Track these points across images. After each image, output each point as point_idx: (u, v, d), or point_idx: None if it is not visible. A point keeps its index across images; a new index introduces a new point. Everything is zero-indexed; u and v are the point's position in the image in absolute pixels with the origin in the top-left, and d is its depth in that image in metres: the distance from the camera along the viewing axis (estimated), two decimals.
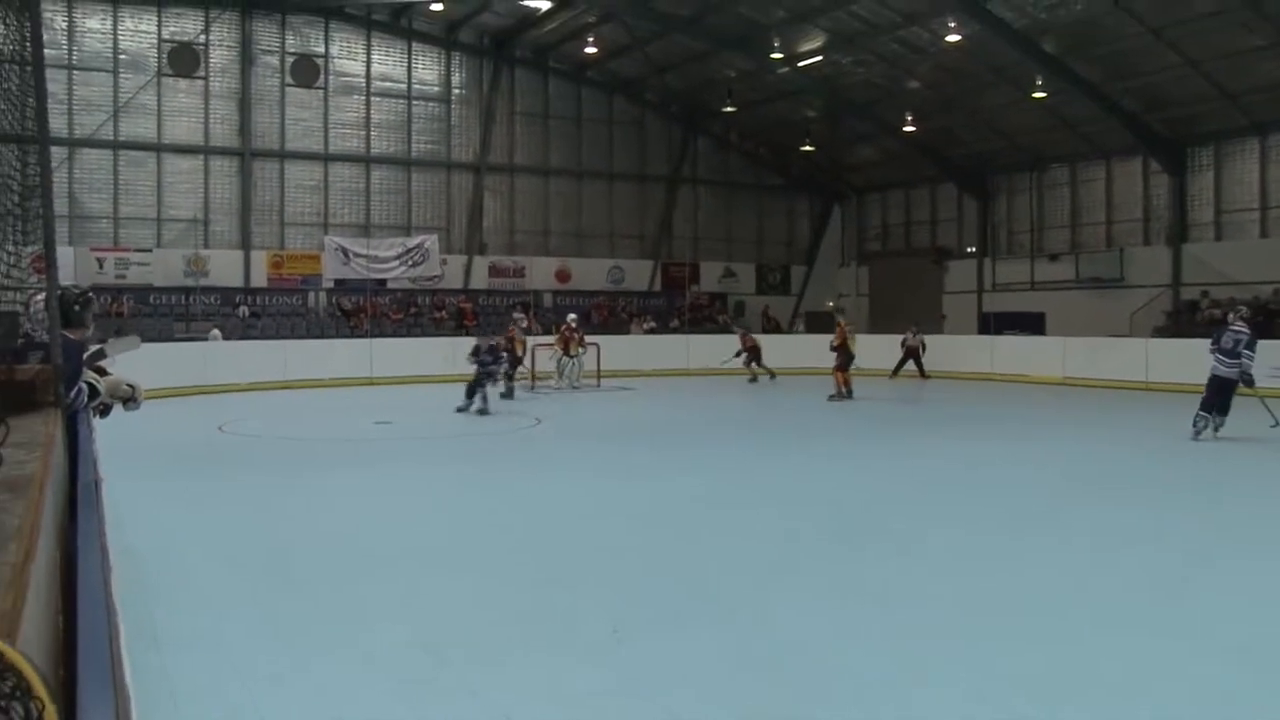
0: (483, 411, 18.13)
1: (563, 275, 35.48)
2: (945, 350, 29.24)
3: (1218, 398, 14.28)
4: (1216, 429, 14.30)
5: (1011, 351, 27.71)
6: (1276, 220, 27.73)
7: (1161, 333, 27.67)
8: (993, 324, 32.31)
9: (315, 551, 7.99)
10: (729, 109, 33.41)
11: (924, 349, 28.40)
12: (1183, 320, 28.06)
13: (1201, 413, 14.32)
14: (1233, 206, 28.61)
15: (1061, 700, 4.77)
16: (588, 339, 25.37)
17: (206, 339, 26.63)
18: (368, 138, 32.51)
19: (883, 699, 4.85)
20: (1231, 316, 15.31)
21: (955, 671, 5.19)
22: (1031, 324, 31.22)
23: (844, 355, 22.08)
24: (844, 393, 21.72)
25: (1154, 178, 30.22)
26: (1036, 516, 9.35)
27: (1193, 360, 23.18)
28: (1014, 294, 33.69)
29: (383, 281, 32.05)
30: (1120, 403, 21.06)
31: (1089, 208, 32.37)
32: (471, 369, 18.79)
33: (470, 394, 18.43)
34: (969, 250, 35.83)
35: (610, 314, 34.40)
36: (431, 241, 32.66)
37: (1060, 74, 27.21)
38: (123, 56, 29.25)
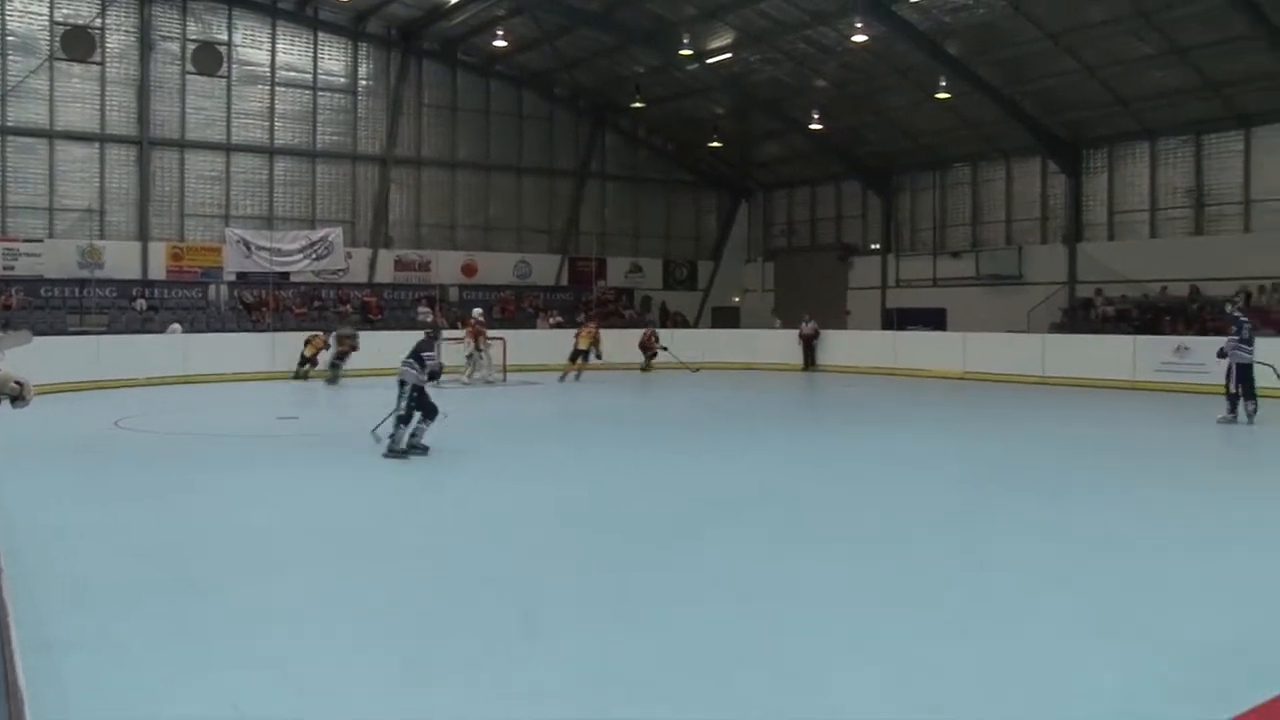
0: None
1: (469, 269, 35.21)
2: (849, 345, 29.69)
3: (1251, 384, 15.43)
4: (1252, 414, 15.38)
5: (913, 347, 28.18)
6: (1165, 221, 28.62)
7: (1058, 329, 28.40)
8: (896, 320, 32.91)
9: (215, 550, 7.81)
10: (638, 104, 33.46)
11: (818, 337, 29.39)
12: (1078, 317, 28.82)
13: (1249, 402, 15.35)
14: (1125, 208, 29.46)
15: (967, 686, 4.85)
16: (494, 334, 25.24)
17: (167, 333, 26.15)
18: (271, 128, 31.92)
19: (804, 683, 4.89)
20: (1230, 308, 17.06)
21: (872, 657, 5.27)
22: (933, 320, 31.83)
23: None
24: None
25: (1052, 178, 31.00)
26: (945, 510, 9.50)
27: (1087, 355, 24.09)
28: (917, 290, 34.28)
29: (286, 275, 31.49)
30: (1019, 396, 21.51)
31: (989, 207, 33.08)
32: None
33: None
34: (873, 247, 36.36)
35: (517, 308, 34.23)
36: (336, 234, 32.19)
37: (963, 76, 27.77)
38: (11, 38, 28.33)
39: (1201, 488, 10.93)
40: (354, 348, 23.79)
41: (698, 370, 27.59)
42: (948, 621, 5.99)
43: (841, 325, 34.61)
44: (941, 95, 28.40)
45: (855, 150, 35.02)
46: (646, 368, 28.55)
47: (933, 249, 34.45)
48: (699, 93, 33.84)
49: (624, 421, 17.91)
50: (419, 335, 13.12)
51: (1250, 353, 15.45)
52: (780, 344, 30.24)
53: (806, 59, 29.99)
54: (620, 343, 28.08)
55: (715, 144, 36.39)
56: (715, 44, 30.13)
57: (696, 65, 30.98)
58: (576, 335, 26.31)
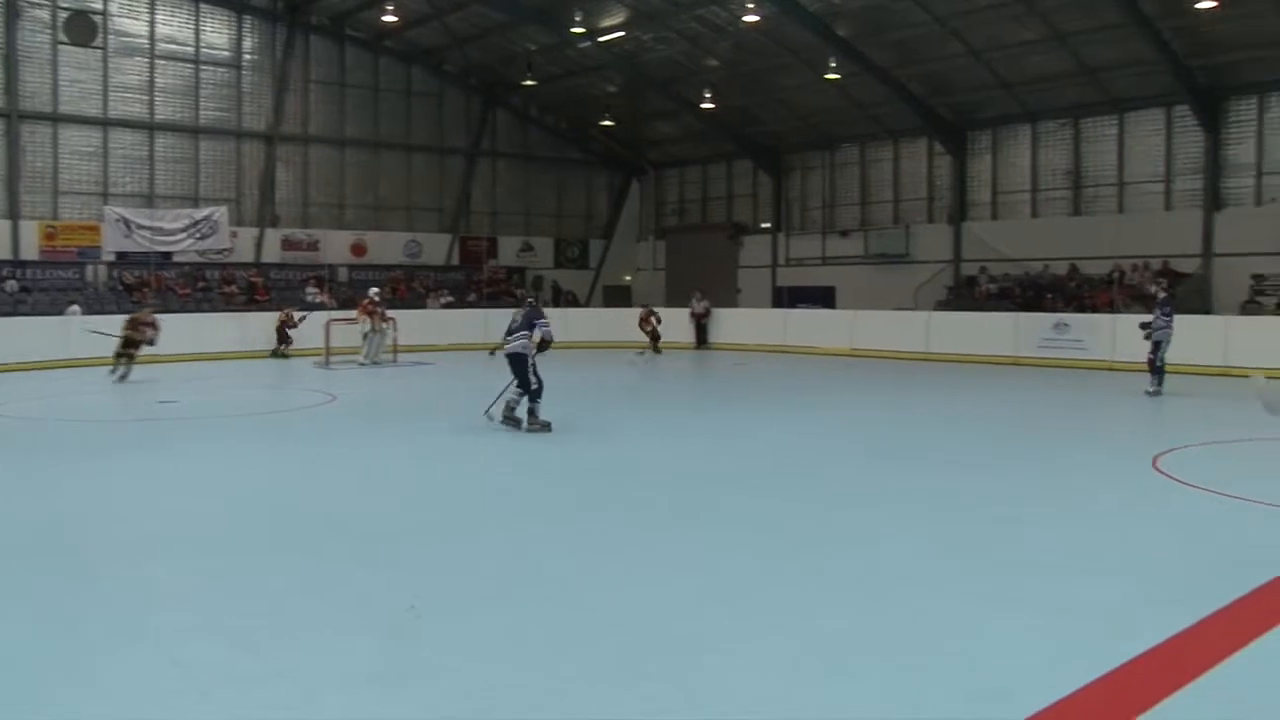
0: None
1: (358, 249, 34.68)
2: (740, 323, 30.00)
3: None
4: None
5: (803, 324, 28.61)
6: (1045, 201, 29.49)
7: (943, 306, 29.09)
8: (786, 298, 33.36)
9: (96, 537, 7.62)
10: (529, 82, 33.30)
11: (709, 316, 29.73)
12: (963, 295, 29.53)
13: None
14: (1008, 188, 30.27)
15: (871, 654, 4.99)
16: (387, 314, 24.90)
17: (65, 314, 25.19)
18: (151, 103, 30.91)
19: (706, 652, 4.97)
20: (1154, 289, 18.60)
21: (777, 627, 5.39)
22: (822, 298, 32.34)
23: None
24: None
25: (938, 159, 31.68)
26: (844, 483, 9.70)
27: (971, 332, 24.74)
28: (806, 269, 34.75)
29: (169, 255, 30.56)
30: (905, 372, 21.99)
31: (877, 186, 33.67)
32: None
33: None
34: (764, 226, 36.73)
35: (407, 288, 33.81)
36: (221, 213, 31.29)
37: (852, 57, 28.19)
38: None
39: (1089, 460, 11.33)
40: (149, 341, 21.09)
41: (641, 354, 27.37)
42: (845, 591, 6.17)
43: (733, 304, 34.97)
44: (831, 76, 28.78)
45: (746, 130, 35.30)
46: (656, 349, 28.12)
47: (822, 228, 34.94)
48: (591, 71, 33.76)
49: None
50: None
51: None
52: (671, 322, 30.38)
53: (698, 38, 30.13)
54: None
55: (607, 123, 36.38)
56: (607, 22, 30.07)
57: (589, 43, 30.93)
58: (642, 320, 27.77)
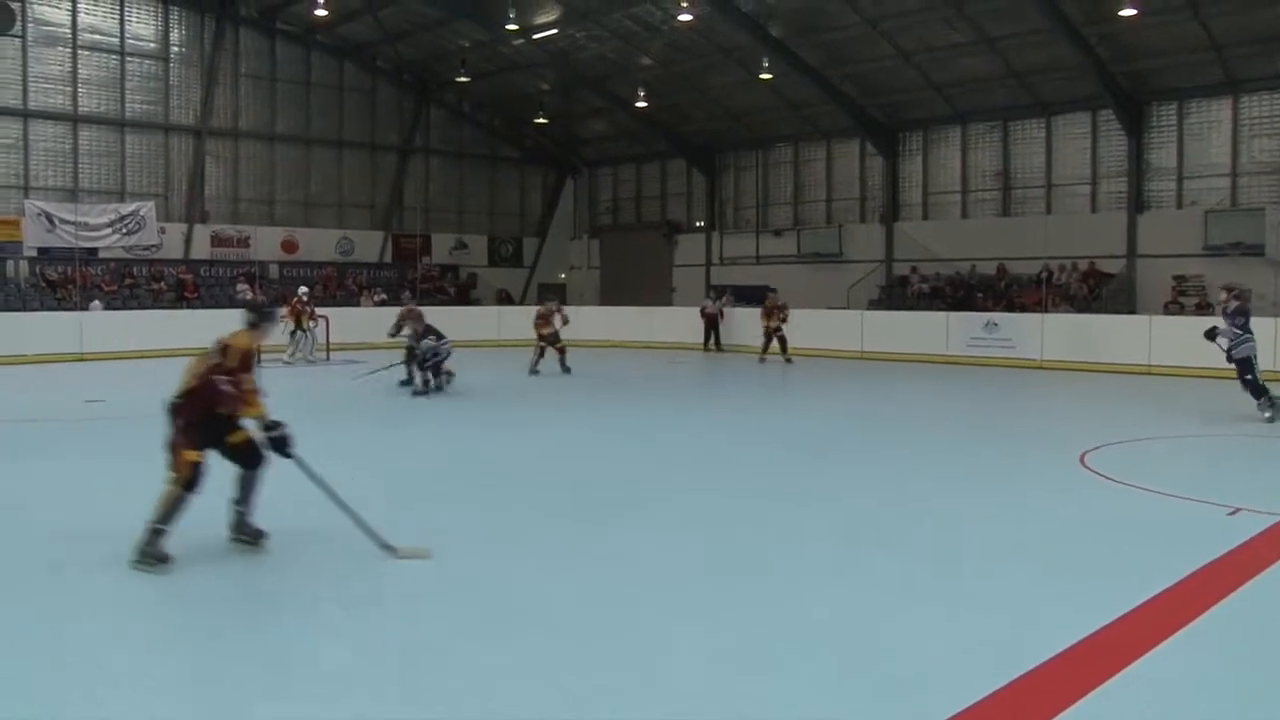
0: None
1: (290, 245, 34.23)
2: (674, 322, 30.03)
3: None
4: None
5: (737, 324, 28.70)
6: (975, 202, 29.94)
7: (876, 305, 29.40)
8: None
9: (15, 544, 7.35)
10: (463, 79, 33.07)
11: (722, 318, 28.18)
12: (894, 294, 29.88)
13: (1267, 400, 13.45)
14: (938, 189, 30.69)
15: (796, 646, 5.04)
16: (318, 311, 24.59)
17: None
18: (75, 94, 30.19)
19: (644, 643, 5.00)
20: (1224, 296, 14.44)
21: (698, 619, 5.42)
22: (756, 297, 32.43)
23: None
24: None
25: (870, 160, 31.99)
26: (773, 480, 9.77)
27: (903, 331, 25.02)
28: (740, 267, 34.90)
29: (94, 250, 29.93)
30: (838, 371, 22.19)
31: (810, 186, 33.93)
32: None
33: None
34: (698, 224, 36.85)
35: (339, 286, 33.45)
36: (148, 209, 30.70)
37: (785, 58, 28.38)
38: None
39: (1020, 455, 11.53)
40: None
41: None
42: (767, 585, 6.25)
43: (667, 302, 35.07)
44: (764, 76, 28.93)
45: (680, 128, 35.40)
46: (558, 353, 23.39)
47: (756, 227, 35.15)
48: (525, 68, 33.64)
49: (457, 397, 17.72)
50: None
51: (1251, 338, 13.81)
52: (601, 321, 30.31)
53: (632, 37, 30.15)
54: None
55: (541, 120, 36.26)
56: (541, 19, 29.98)
57: (523, 40, 30.82)
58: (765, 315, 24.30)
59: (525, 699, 4.48)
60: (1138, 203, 26.59)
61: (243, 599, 6.12)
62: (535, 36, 30.68)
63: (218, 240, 32.83)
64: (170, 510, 6.35)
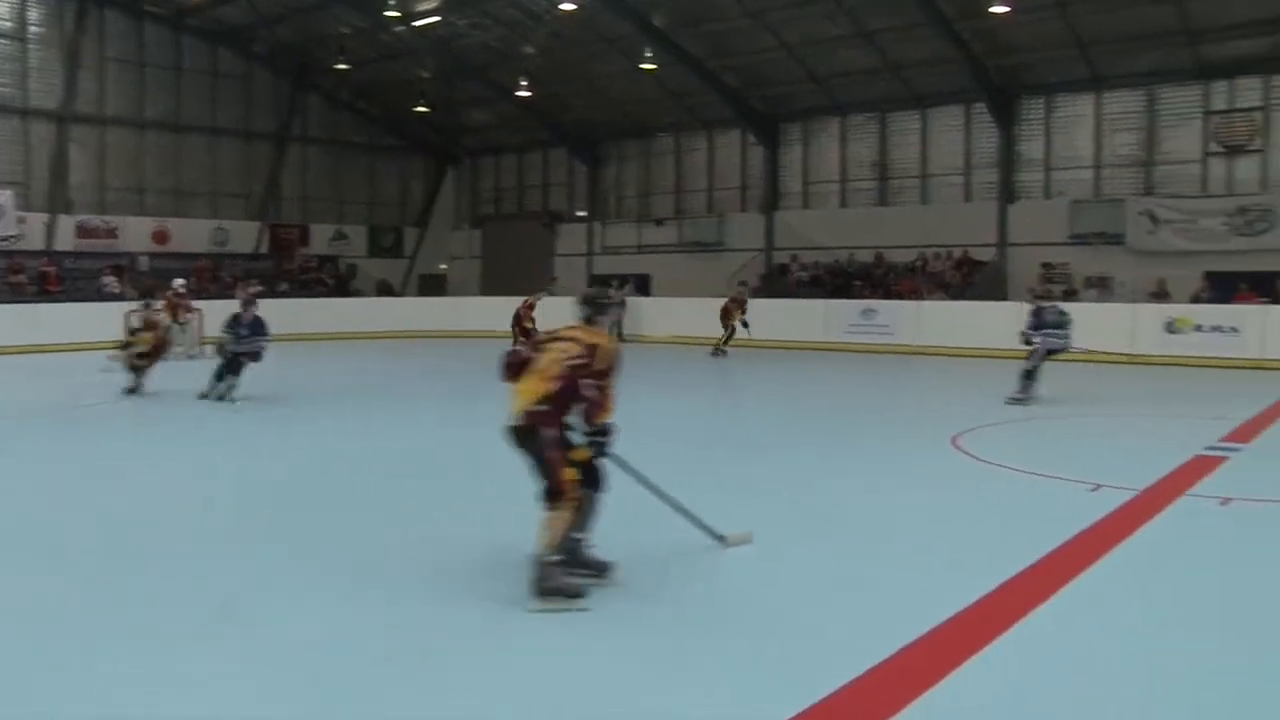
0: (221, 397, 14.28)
1: (161, 236, 33.23)
2: (556, 312, 29.95)
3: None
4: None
5: (646, 315, 28.77)
6: (853, 192, 30.52)
7: (756, 294, 29.65)
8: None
9: None
10: (342, 66, 32.40)
11: (624, 308, 26.91)
12: (775, 282, 30.26)
13: (1028, 381, 14.39)
14: (818, 179, 31.19)
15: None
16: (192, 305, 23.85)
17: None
18: None
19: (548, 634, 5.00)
20: (1029, 297, 16.31)
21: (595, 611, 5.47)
22: (638, 286, 32.61)
23: None
24: None
25: (751, 149, 32.35)
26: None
27: (783, 318, 25.36)
28: (622, 256, 35.02)
29: None
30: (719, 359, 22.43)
31: (692, 176, 34.17)
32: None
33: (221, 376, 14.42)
34: (579, 214, 36.84)
35: (214, 278, 32.54)
36: (6, 197, 29.36)
37: (668, 48, 28.53)
38: None
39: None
40: None
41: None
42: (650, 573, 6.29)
43: (550, 292, 34.95)
44: (647, 66, 29.01)
45: (562, 118, 35.33)
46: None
47: (638, 216, 35.28)
48: (406, 56, 33.16)
49: (330, 392, 17.47)
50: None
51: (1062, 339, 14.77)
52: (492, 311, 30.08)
53: (515, 25, 29.97)
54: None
55: (422, 108, 35.78)
56: (423, 6, 29.60)
57: (403, 27, 30.40)
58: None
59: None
60: (1008, 193, 27.41)
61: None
62: (416, 23, 30.29)
63: (83, 231, 31.67)
64: (563, 538, 5.58)
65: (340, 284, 35.30)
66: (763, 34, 27.53)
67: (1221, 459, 9.91)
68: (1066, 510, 7.60)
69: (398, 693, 4.38)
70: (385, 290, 36.79)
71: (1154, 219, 25.19)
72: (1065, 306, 15.69)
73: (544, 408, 5.54)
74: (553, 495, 5.49)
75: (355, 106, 37.85)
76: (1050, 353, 14.49)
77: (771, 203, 31.74)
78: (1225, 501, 8.01)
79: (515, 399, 5.65)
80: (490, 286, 36.49)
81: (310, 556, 6.59)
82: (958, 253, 27.62)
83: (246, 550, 6.75)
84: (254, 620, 5.31)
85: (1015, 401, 13.95)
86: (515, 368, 5.77)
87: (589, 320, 5.99)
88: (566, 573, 5.56)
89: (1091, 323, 17.77)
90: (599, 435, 5.74)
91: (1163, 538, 7.10)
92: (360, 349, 25.33)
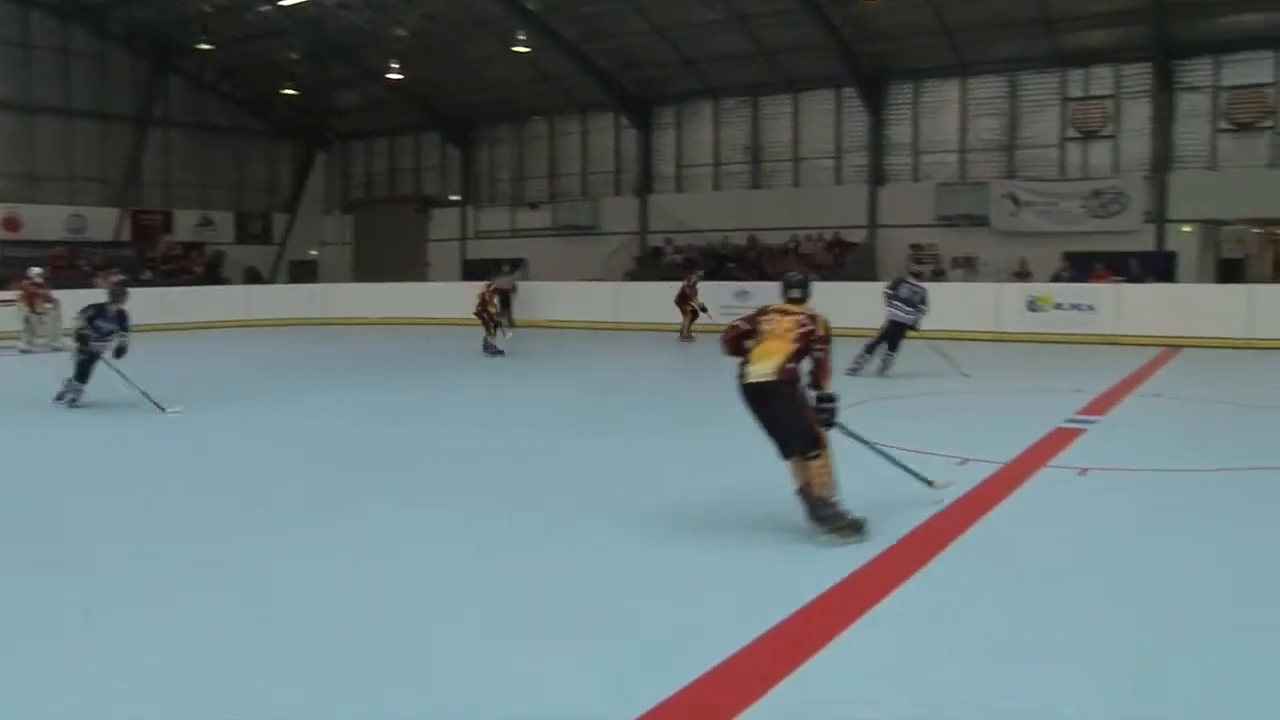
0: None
1: (12, 224, 31.81)
2: (430, 297, 29.64)
3: (891, 340, 15.24)
4: (886, 367, 15.18)
5: (537, 299, 28.58)
6: (726, 175, 30.83)
7: (631, 276, 29.86)
8: (477, 271, 33.19)
9: None
10: (204, 46, 31.29)
11: (515, 292, 26.47)
12: (649, 265, 30.39)
13: (866, 353, 15.02)
14: (691, 162, 31.42)
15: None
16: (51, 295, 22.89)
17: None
18: None
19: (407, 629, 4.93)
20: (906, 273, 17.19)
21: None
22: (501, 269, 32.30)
23: None
24: None
25: (624, 133, 32.39)
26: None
27: (658, 301, 25.45)
28: (496, 241, 34.78)
29: None
30: (597, 342, 22.41)
31: (566, 159, 34.09)
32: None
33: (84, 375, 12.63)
34: (452, 199, 36.45)
35: (71, 266, 31.22)
36: None
37: (541, 31, 28.33)
38: None
39: None
40: None
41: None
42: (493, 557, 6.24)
43: (422, 278, 34.61)
44: (520, 49, 28.75)
45: (434, 101, 34.87)
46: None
47: (511, 200, 35.10)
48: (272, 36, 32.17)
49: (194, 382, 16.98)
50: None
51: (906, 314, 15.30)
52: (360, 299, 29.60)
53: (385, 6, 29.43)
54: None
55: (290, 91, 34.93)
56: None
57: (269, 7, 29.62)
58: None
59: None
60: (878, 176, 28.00)
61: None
62: (283, 3, 29.50)
63: None
64: (834, 480, 6.21)
65: (211, 271, 34.22)
66: (636, 17, 27.58)
67: (1080, 431, 10.27)
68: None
69: None
70: (254, 278, 35.86)
71: (1016, 201, 25.98)
72: (927, 288, 16.12)
73: (791, 365, 6.22)
74: (813, 443, 6.15)
75: (220, 89, 36.76)
76: (897, 326, 15.12)
77: (645, 186, 31.85)
78: (1083, 471, 8.29)
79: (760, 361, 6.25)
80: (363, 273, 35.91)
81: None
82: (829, 234, 28.11)
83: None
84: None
85: (851, 372, 14.33)
86: (734, 341, 6.53)
87: (799, 300, 6.68)
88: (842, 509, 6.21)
89: (958, 302, 18.31)
90: (826, 403, 6.41)
91: (1026, 507, 7.33)
92: (242, 338, 24.64)
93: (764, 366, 6.22)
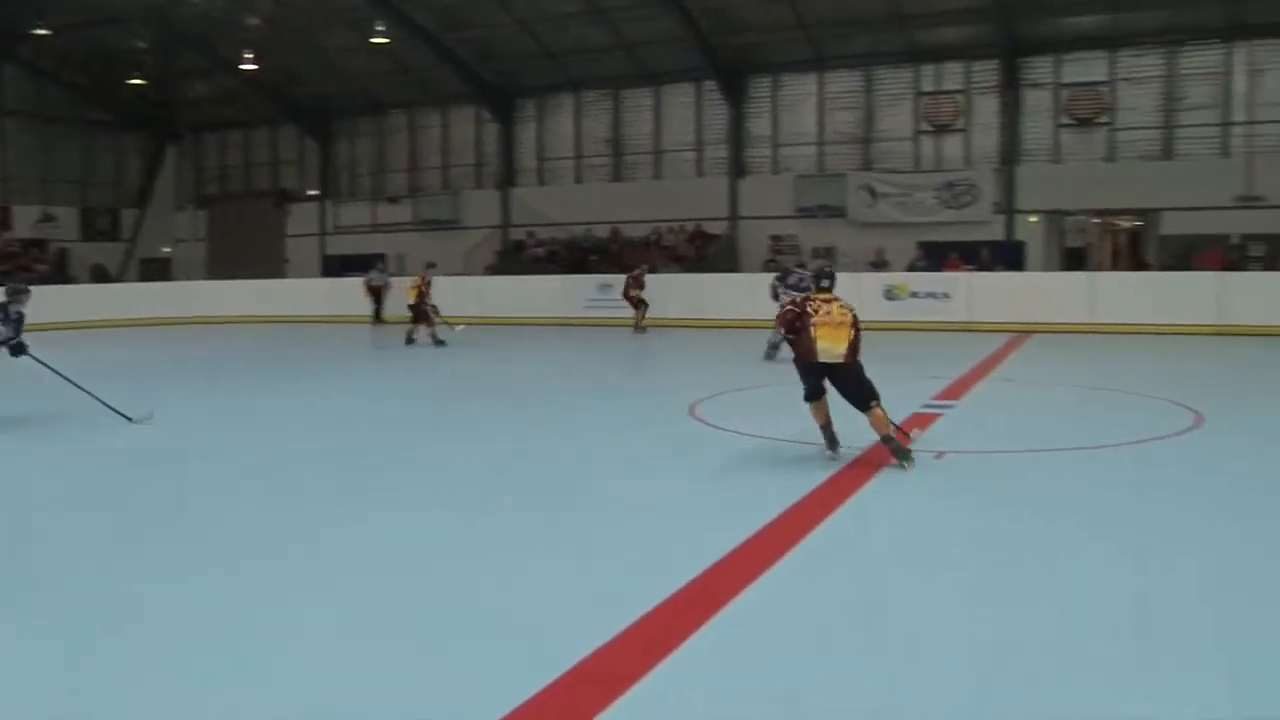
0: None
1: None
2: (289, 295, 28.99)
3: None
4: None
5: (352, 293, 28.16)
6: (588, 168, 30.88)
7: (493, 270, 29.68)
8: (336, 266, 32.63)
9: None
10: (41, 32, 29.86)
11: (388, 289, 26.04)
12: (512, 259, 30.24)
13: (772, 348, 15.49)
14: (553, 155, 31.35)
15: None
16: None
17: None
18: None
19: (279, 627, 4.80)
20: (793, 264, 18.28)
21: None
22: (373, 265, 31.75)
23: None
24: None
25: (485, 126, 32.15)
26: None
27: (522, 295, 25.40)
28: (356, 236, 34.19)
29: None
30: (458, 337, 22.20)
31: (426, 153, 33.68)
32: None
33: None
34: (311, 193, 35.67)
35: None
36: None
37: (400, 21, 27.89)
38: None
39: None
40: None
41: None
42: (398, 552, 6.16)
43: (281, 274, 33.79)
44: (378, 40, 28.24)
45: (290, 93, 34.04)
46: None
47: (371, 195, 34.54)
48: (117, 23, 30.81)
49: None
50: None
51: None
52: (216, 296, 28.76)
53: None
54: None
55: (138, 81, 33.65)
56: None
57: None
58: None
59: None
60: (738, 168, 28.36)
61: None
62: None
63: None
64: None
65: (59, 270, 32.65)
66: (495, 8, 27.38)
67: (936, 415, 10.53)
68: (799, 470, 7.90)
69: None
70: (102, 276, 34.44)
71: (872, 193, 26.59)
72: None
73: (856, 347, 8.15)
74: (874, 397, 8.03)
75: (61, 78, 35.17)
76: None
77: (507, 179, 31.68)
78: (940, 455, 8.50)
79: (830, 345, 8.12)
80: (218, 270, 34.83)
81: None
82: (691, 226, 28.36)
83: None
84: None
85: (770, 358, 15.30)
86: (791, 321, 8.33)
87: (828, 290, 8.54)
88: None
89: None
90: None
91: (887, 490, 7.46)
92: (83, 341, 23.66)
93: (836, 349, 8.09)
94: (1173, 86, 24.56)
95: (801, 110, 28.04)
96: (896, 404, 10.99)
